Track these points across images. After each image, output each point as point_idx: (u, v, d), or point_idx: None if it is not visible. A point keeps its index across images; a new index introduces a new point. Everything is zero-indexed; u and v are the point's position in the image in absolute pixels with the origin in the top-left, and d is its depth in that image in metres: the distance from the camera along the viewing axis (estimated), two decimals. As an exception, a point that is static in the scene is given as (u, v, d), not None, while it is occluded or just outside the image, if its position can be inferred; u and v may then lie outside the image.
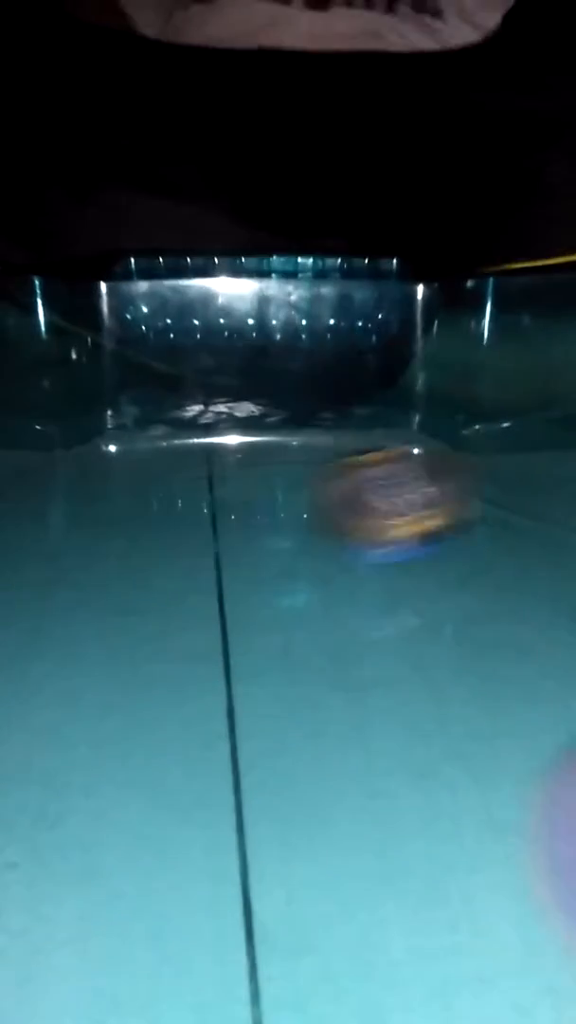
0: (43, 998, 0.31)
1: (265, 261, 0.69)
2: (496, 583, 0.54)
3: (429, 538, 0.52)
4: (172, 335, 0.67)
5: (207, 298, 0.67)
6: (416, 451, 0.59)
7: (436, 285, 0.66)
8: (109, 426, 0.69)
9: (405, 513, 0.52)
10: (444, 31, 0.89)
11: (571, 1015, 0.30)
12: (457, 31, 0.89)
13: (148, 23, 0.89)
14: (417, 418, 0.69)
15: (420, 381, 0.68)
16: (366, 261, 0.69)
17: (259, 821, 0.37)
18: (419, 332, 0.67)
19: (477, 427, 0.67)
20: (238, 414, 0.69)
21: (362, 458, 0.58)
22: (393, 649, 0.48)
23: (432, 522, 0.52)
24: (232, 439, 0.70)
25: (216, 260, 0.69)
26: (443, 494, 0.53)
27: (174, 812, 0.38)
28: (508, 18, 0.85)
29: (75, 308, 0.67)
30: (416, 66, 0.83)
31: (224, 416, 0.69)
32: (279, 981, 0.31)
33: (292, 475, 0.68)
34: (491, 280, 0.65)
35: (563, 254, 0.74)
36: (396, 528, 0.52)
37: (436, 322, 0.67)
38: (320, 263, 0.69)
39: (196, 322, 0.67)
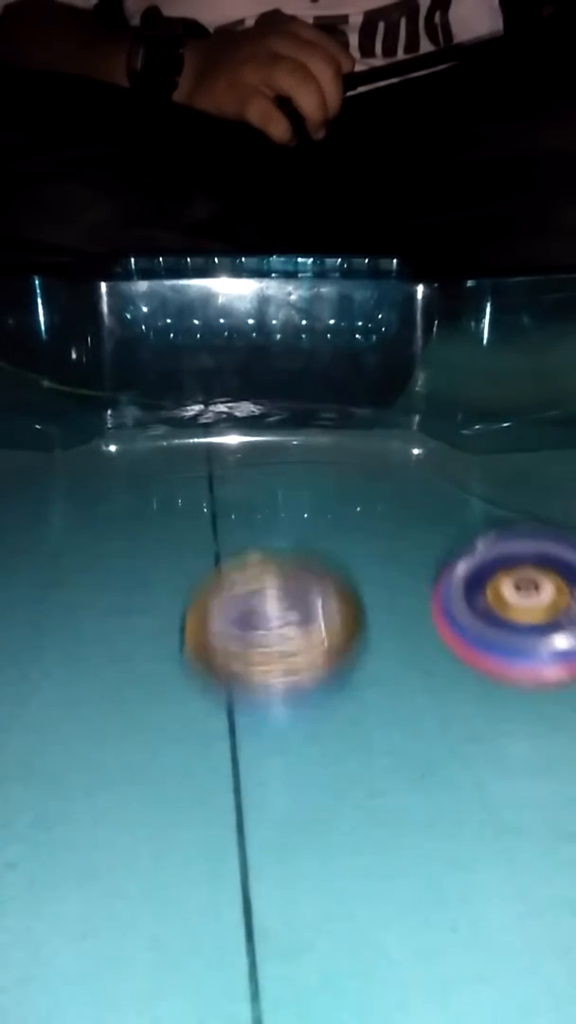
0: (43, 998, 0.31)
1: (265, 261, 0.69)
2: (496, 583, 0.54)
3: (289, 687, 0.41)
4: (172, 335, 0.67)
5: (207, 298, 0.67)
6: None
7: (436, 285, 0.66)
8: (109, 426, 0.69)
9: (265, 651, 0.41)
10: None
11: (571, 1015, 0.30)
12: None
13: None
14: (417, 418, 0.69)
15: (420, 381, 0.68)
16: (366, 261, 0.69)
17: (259, 821, 0.37)
18: (419, 332, 0.67)
19: (477, 427, 0.67)
20: (238, 414, 0.69)
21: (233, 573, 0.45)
22: (393, 649, 0.48)
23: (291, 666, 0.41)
24: (232, 439, 0.70)
25: (216, 260, 0.69)
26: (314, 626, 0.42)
27: (174, 812, 0.38)
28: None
29: (75, 308, 0.67)
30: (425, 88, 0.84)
31: (224, 416, 0.69)
32: (279, 981, 0.31)
33: (292, 475, 0.68)
34: (491, 280, 0.65)
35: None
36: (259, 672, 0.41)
37: (436, 322, 0.67)
38: (320, 263, 0.69)
39: (196, 322, 0.67)
